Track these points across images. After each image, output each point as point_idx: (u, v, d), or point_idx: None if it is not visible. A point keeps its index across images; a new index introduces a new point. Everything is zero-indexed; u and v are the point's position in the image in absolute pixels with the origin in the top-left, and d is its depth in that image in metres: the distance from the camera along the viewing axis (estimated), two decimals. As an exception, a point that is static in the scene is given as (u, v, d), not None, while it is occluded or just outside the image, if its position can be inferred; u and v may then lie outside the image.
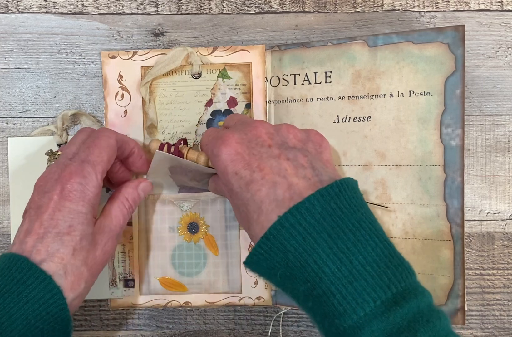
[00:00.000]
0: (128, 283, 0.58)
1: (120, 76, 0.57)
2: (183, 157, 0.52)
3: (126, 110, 0.57)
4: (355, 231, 0.38)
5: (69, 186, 0.45)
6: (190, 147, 0.53)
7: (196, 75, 0.57)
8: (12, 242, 0.49)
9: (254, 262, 0.42)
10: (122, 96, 0.57)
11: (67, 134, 0.57)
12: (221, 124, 0.57)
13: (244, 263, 0.43)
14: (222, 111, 0.57)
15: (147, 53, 0.57)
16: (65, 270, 0.44)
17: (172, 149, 0.52)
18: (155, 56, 0.57)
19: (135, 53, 0.57)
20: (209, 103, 0.57)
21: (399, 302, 0.36)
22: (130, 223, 0.57)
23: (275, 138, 0.45)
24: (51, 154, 0.51)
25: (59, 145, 0.57)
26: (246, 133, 0.45)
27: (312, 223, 0.38)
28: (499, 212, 0.58)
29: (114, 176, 0.54)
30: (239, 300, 0.58)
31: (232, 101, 0.57)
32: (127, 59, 0.57)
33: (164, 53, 0.57)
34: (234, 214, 0.50)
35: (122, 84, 0.57)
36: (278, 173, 0.42)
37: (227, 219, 0.57)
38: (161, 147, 0.53)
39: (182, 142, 0.54)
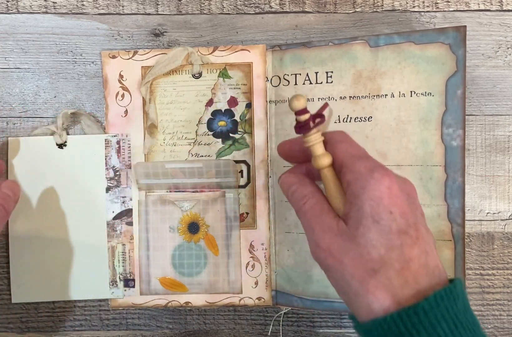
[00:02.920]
0: (128, 283, 0.57)
1: (121, 76, 0.57)
2: (308, 131, 0.42)
3: (126, 110, 0.57)
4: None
5: None
6: (323, 139, 0.43)
7: (196, 75, 0.57)
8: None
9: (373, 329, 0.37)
10: (123, 96, 0.57)
11: (67, 134, 0.57)
12: (222, 124, 0.57)
13: (357, 327, 0.39)
14: (223, 111, 0.57)
15: (147, 53, 0.57)
16: None
17: (311, 124, 0.42)
18: (155, 56, 0.57)
19: (135, 53, 0.57)
20: (210, 103, 0.57)
21: None
22: (130, 223, 0.57)
23: (420, 205, 0.42)
24: None
25: (58, 145, 0.57)
26: (407, 186, 0.41)
27: (461, 310, 0.36)
28: (499, 212, 0.58)
29: None
30: (240, 300, 0.58)
31: (233, 101, 0.57)
32: (128, 59, 0.57)
33: (165, 53, 0.57)
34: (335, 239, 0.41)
35: (123, 84, 0.57)
36: (428, 243, 0.39)
37: (228, 219, 0.57)
38: (304, 111, 0.42)
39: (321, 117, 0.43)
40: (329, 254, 0.40)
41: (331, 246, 0.40)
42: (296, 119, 0.43)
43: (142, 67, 0.57)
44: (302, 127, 0.42)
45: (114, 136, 0.57)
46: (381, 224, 0.38)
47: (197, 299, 0.58)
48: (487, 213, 0.58)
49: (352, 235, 0.39)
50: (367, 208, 0.38)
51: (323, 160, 0.42)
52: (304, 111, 0.42)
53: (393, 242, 0.37)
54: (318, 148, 0.43)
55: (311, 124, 0.42)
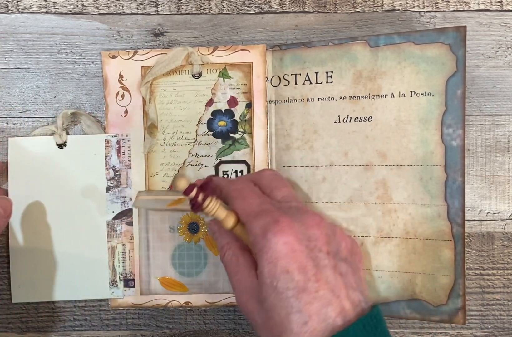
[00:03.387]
0: (128, 283, 0.57)
1: (121, 76, 0.57)
2: (201, 208, 0.44)
3: (126, 110, 0.57)
4: None
5: None
6: (221, 203, 0.45)
7: (196, 75, 0.57)
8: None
9: None
10: (123, 96, 0.57)
11: (67, 134, 0.57)
12: (222, 124, 0.57)
13: None
14: (223, 111, 0.57)
15: (147, 53, 0.57)
16: None
17: (200, 197, 0.44)
18: (155, 56, 0.57)
19: (135, 53, 0.57)
20: (210, 103, 0.57)
21: None
22: (130, 223, 0.57)
23: (331, 243, 0.42)
24: None
25: (58, 145, 0.57)
26: (307, 228, 0.41)
27: None
28: (499, 212, 0.58)
29: None
30: (240, 300, 0.58)
31: (233, 101, 0.57)
32: (128, 59, 0.57)
33: (165, 53, 0.57)
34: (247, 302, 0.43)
35: (123, 84, 0.57)
36: (332, 291, 0.39)
37: (228, 219, 0.57)
38: (189, 189, 0.43)
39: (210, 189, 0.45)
40: (248, 313, 0.43)
41: (248, 306, 0.42)
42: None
43: (142, 67, 0.57)
44: (194, 205, 0.44)
45: (114, 136, 0.57)
46: (278, 288, 0.39)
47: (197, 299, 0.58)
48: (487, 213, 0.58)
49: (260, 298, 0.41)
50: (266, 272, 0.39)
51: (228, 223, 0.44)
52: (189, 190, 0.43)
53: (292, 304, 0.38)
54: (219, 213, 0.44)
55: (200, 198, 0.43)
